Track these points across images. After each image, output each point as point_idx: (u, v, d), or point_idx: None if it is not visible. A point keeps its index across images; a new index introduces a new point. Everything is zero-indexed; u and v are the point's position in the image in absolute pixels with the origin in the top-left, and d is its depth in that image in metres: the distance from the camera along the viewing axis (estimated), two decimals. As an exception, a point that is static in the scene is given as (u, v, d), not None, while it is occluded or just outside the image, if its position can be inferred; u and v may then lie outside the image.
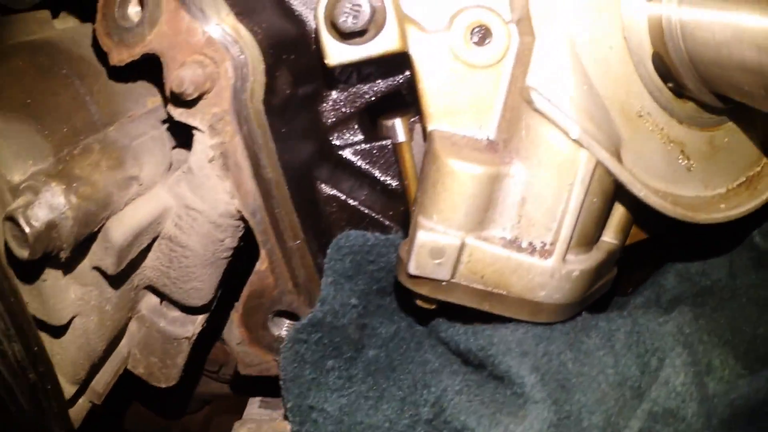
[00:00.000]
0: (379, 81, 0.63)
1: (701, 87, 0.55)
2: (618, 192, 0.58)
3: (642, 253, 0.81)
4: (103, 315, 0.60)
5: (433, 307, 0.58)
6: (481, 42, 0.55)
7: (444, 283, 0.54)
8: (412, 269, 0.54)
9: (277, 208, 0.56)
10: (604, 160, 0.54)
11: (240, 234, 0.60)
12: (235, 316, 0.59)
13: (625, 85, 0.55)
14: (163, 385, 0.66)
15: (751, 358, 0.61)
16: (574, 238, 0.55)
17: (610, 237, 0.62)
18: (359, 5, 0.55)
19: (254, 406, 0.73)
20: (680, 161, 0.62)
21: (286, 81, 0.58)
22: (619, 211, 0.61)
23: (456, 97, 0.56)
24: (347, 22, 0.55)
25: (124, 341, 0.66)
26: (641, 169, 0.59)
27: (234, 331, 0.59)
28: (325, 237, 0.60)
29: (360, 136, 0.66)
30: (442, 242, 0.53)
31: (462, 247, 0.53)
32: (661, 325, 0.60)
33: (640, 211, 0.62)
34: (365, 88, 0.63)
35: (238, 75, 0.54)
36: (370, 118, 0.64)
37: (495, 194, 0.54)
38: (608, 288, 0.66)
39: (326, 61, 0.57)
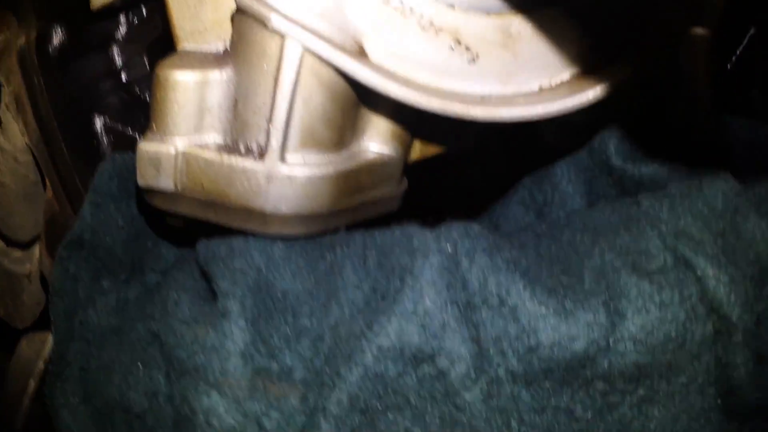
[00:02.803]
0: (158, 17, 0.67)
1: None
2: (365, 91, 0.54)
3: (468, 175, 0.74)
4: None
5: (180, 224, 0.58)
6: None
7: (170, 194, 0.54)
8: (139, 181, 0.54)
9: (51, 140, 0.64)
10: (312, 46, 0.50)
11: (36, 168, 0.68)
12: (41, 245, 0.66)
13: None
14: (20, 326, 0.73)
15: (558, 294, 0.51)
16: (295, 137, 0.52)
17: (373, 144, 0.57)
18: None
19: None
20: (456, 52, 0.56)
21: (59, 35, 0.66)
22: (379, 115, 0.56)
23: (199, 18, 0.57)
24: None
25: None
26: (398, 62, 0.54)
27: (44, 261, 0.66)
28: (100, 164, 0.66)
29: (148, 70, 0.69)
30: (159, 151, 0.53)
31: (177, 155, 0.53)
32: (418, 238, 0.52)
33: (417, 117, 0.56)
34: (145, 26, 0.67)
35: (24, 38, 0.65)
36: (162, 52, 0.68)
37: (208, 99, 0.53)
38: (392, 206, 0.61)
39: (91, 7, 0.64)
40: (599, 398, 0.53)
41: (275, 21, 0.50)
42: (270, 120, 0.52)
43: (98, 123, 0.66)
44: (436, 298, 0.49)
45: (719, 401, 0.56)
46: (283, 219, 0.53)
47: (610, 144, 0.61)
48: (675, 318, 0.53)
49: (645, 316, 0.52)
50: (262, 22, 0.51)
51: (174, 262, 0.62)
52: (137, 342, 0.56)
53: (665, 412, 0.55)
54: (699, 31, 0.62)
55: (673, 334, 0.53)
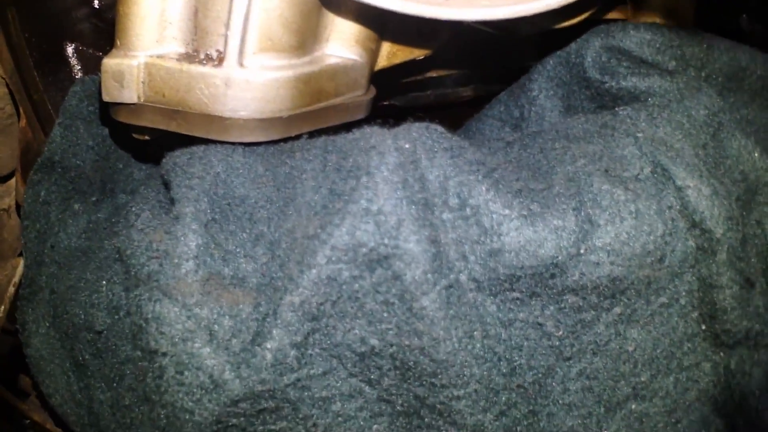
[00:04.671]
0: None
1: None
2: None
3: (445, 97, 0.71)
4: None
5: (146, 137, 0.57)
6: None
7: (133, 107, 0.54)
8: (104, 96, 0.54)
9: (23, 69, 0.64)
10: None
11: (10, 99, 0.67)
12: (17, 175, 0.66)
13: None
14: (1, 263, 0.74)
15: (524, 196, 0.48)
16: (253, 41, 0.51)
17: (337, 49, 0.56)
18: None
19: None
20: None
21: None
22: (343, 19, 0.55)
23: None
24: None
25: None
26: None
27: (20, 190, 0.66)
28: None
29: None
30: (122, 64, 0.53)
31: (140, 67, 0.53)
32: (376, 137, 0.49)
33: (383, 21, 0.56)
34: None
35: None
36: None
37: (169, 10, 0.53)
38: (360, 113, 0.59)
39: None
40: (572, 314, 0.50)
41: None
42: (227, 25, 0.51)
43: (69, 49, 0.67)
44: (392, 197, 0.46)
45: (703, 327, 0.52)
46: (243, 124, 0.52)
47: (588, 56, 0.59)
48: (652, 229, 0.50)
49: (619, 225, 0.49)
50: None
51: (143, 180, 0.61)
52: (104, 260, 0.56)
53: (645, 334, 0.51)
54: None
55: (651, 246, 0.50)
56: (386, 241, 0.46)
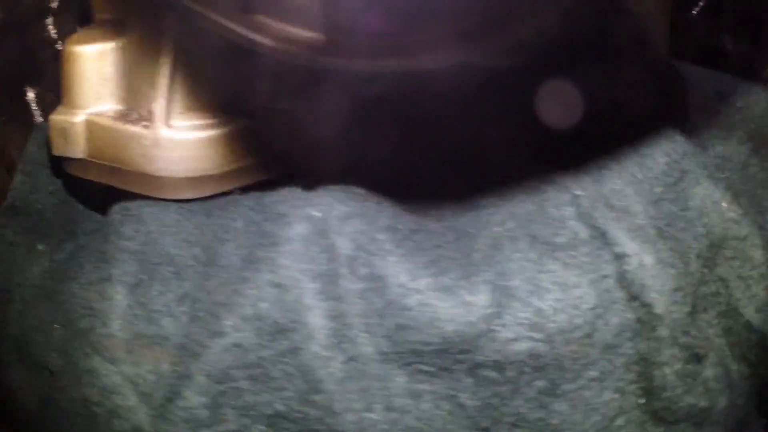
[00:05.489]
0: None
1: None
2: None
3: None
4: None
5: (99, 189, 0.61)
6: None
7: (79, 162, 0.56)
8: (53, 150, 0.57)
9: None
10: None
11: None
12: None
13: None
14: None
15: (438, 268, 0.46)
16: (179, 102, 0.52)
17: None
18: None
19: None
20: None
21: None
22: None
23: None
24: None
25: None
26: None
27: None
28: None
29: None
30: (66, 121, 0.55)
31: (81, 124, 0.55)
32: (290, 204, 0.49)
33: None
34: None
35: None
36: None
37: (106, 70, 0.54)
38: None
39: None
40: (488, 386, 0.48)
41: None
42: (155, 87, 0.52)
43: (31, 94, 0.71)
44: (295, 271, 0.47)
45: (641, 401, 0.49)
46: (174, 182, 0.53)
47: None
48: (581, 302, 0.47)
49: (541, 298, 0.47)
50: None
51: (102, 225, 0.65)
52: (59, 304, 0.60)
53: (571, 408, 0.48)
54: None
55: (580, 321, 0.47)
56: (287, 314, 0.47)
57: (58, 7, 0.68)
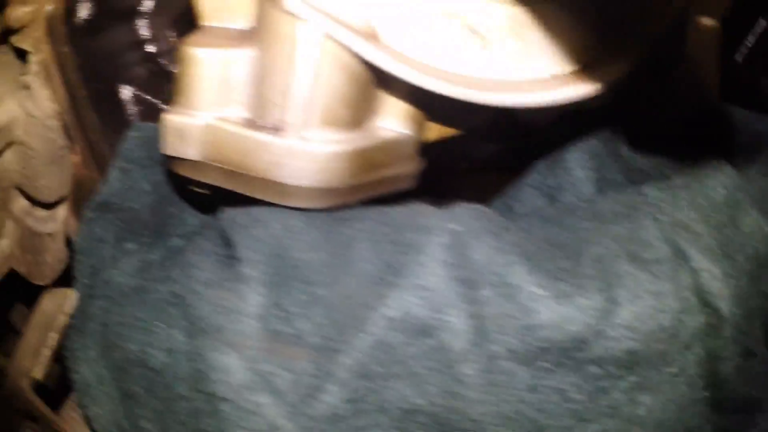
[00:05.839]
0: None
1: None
2: (381, 73, 0.56)
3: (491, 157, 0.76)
4: (-29, 211, 0.74)
5: (207, 192, 0.60)
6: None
7: (195, 163, 0.57)
8: (164, 149, 0.57)
9: (80, 107, 0.66)
10: (331, 30, 0.53)
11: (64, 133, 0.70)
12: (68, 206, 0.69)
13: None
14: (41, 283, 0.75)
15: (557, 278, 0.52)
16: (314, 115, 0.55)
17: (389, 123, 0.59)
18: None
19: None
20: (469, 38, 0.58)
21: (86, 7, 0.69)
22: (394, 96, 0.58)
23: (221, -4, 0.60)
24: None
25: (6, 241, 0.77)
26: (411, 46, 0.57)
27: (70, 222, 0.69)
28: (127, 132, 0.69)
29: (173, 44, 0.71)
30: (185, 122, 0.56)
31: (202, 127, 0.55)
32: (430, 217, 0.53)
33: (432, 99, 0.58)
34: (171, 1, 0.70)
35: (53, 8, 0.67)
36: (190, 26, 0.70)
37: (233, 76, 0.56)
38: (408, 183, 0.63)
39: None
40: (592, 381, 0.55)
41: (292, 4, 0.53)
42: (290, 99, 0.54)
43: (125, 92, 0.69)
44: (443, 275, 0.51)
45: (707, 393, 0.58)
46: (302, 192, 0.56)
47: (620, 132, 0.64)
48: (669, 308, 0.55)
49: (639, 305, 0.54)
50: (279, 5, 0.53)
51: (197, 227, 0.64)
52: (158, 302, 0.59)
53: (655, 399, 0.57)
54: (707, 21, 0.64)
55: (666, 323, 0.55)
56: (435, 314, 0.51)
57: (151, 9, 0.67)
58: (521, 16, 0.59)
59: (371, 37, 0.55)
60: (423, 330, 0.52)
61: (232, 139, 0.56)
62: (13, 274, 0.78)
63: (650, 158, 0.62)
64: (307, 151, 0.54)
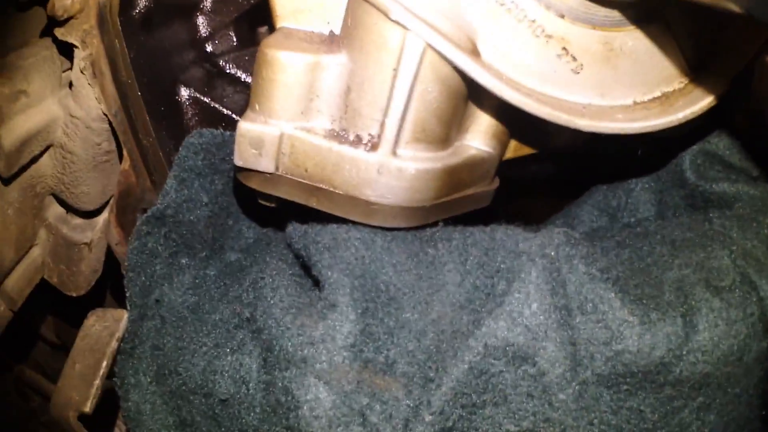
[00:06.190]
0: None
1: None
2: (475, 89, 0.54)
3: (546, 177, 0.76)
4: (5, 218, 0.66)
5: (273, 205, 0.56)
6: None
7: (269, 176, 0.53)
8: (236, 160, 0.53)
9: (132, 109, 0.61)
10: (434, 42, 0.50)
11: (111, 136, 0.64)
12: (111, 216, 0.64)
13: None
14: (74, 294, 0.71)
15: (643, 304, 0.53)
16: (408, 131, 0.52)
17: (475, 142, 0.57)
18: None
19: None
20: (563, 61, 0.56)
21: None
22: (484, 114, 0.57)
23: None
24: None
25: (37, 250, 0.71)
26: (507, 64, 0.55)
27: (112, 232, 0.64)
28: (184, 137, 0.61)
29: (235, 43, 0.68)
30: (263, 132, 0.52)
31: (282, 138, 0.52)
32: (523, 242, 0.53)
33: (518, 118, 0.57)
34: (232, -2, 0.66)
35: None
36: (250, 26, 0.66)
37: (318, 84, 0.52)
38: (485, 202, 0.62)
39: None
40: (666, 402, 0.56)
41: (398, 13, 0.50)
42: (385, 112, 0.51)
43: (184, 94, 0.64)
44: (541, 302, 0.51)
45: (763, 412, 0.60)
46: (388, 210, 0.53)
47: (686, 159, 0.64)
48: (738, 333, 0.57)
49: (714, 330, 0.56)
50: (384, 13, 0.50)
51: (254, 240, 0.61)
52: (221, 324, 0.56)
53: (719, 419, 0.58)
54: None
55: (735, 348, 0.57)
56: (534, 342, 0.51)
57: (210, 6, 0.62)
58: (614, 42, 0.58)
59: (472, 52, 0.53)
60: (520, 357, 0.51)
61: (315, 151, 0.52)
62: (43, 284, 0.72)
63: (714, 186, 0.62)
64: (399, 167, 0.52)
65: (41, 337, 0.82)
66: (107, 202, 0.68)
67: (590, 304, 0.53)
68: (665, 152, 0.68)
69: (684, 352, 0.55)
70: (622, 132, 0.57)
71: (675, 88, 0.61)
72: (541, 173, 0.75)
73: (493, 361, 0.50)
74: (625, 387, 0.54)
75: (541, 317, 0.50)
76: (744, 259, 0.59)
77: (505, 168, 0.64)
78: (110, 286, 0.75)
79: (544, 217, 0.71)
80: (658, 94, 0.61)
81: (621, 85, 0.59)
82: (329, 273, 0.51)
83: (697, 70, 0.62)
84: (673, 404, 0.57)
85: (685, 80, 0.62)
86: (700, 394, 0.57)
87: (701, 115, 0.62)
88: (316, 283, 0.52)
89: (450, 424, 0.50)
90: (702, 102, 0.61)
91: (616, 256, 0.57)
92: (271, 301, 0.52)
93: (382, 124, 0.52)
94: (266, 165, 0.53)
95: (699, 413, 0.58)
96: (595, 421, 0.54)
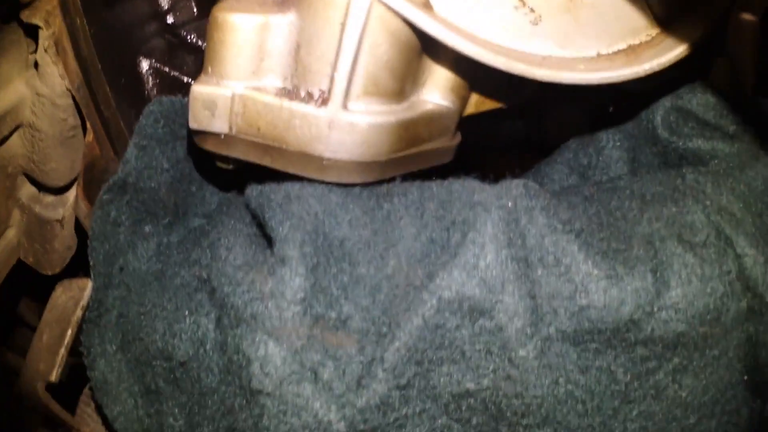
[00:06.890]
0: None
1: None
2: (429, 42, 0.53)
3: (518, 137, 0.75)
4: (-24, 200, 0.68)
5: (231, 167, 0.56)
6: None
7: (224, 137, 0.53)
8: (191, 123, 0.54)
9: (94, 83, 0.62)
10: None
11: (76, 112, 0.65)
12: (78, 190, 0.65)
13: None
14: (49, 272, 0.71)
15: (609, 257, 0.51)
16: (358, 84, 0.52)
17: (432, 96, 0.57)
18: None
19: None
20: (520, 13, 0.56)
21: None
22: (440, 67, 0.56)
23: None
24: None
25: (12, 231, 0.72)
26: (462, 17, 0.54)
27: (80, 205, 0.65)
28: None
29: (195, 13, 0.69)
30: (215, 93, 0.52)
31: (234, 98, 0.52)
32: (479, 193, 0.51)
33: (477, 71, 0.56)
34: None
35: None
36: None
37: (268, 43, 0.52)
38: (447, 158, 0.61)
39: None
40: (639, 362, 0.54)
41: (341, -32, 0.50)
42: (334, 67, 0.51)
43: (144, 65, 0.65)
44: (497, 253, 0.49)
45: (745, 377, 0.57)
46: (342, 166, 0.53)
47: (657, 115, 0.62)
48: (714, 291, 0.54)
49: (687, 287, 0.53)
50: (328, -32, 0.50)
51: (217, 205, 0.61)
52: (182, 288, 0.55)
53: (696, 382, 0.56)
54: (747, 16, 0.63)
55: (711, 306, 0.54)
56: (490, 295, 0.49)
57: None
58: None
59: (424, 5, 0.53)
60: (477, 311, 0.50)
61: (267, 110, 0.52)
62: (19, 265, 0.73)
63: (687, 143, 0.61)
64: (351, 122, 0.51)
65: (22, 321, 0.83)
66: (76, 178, 0.69)
67: (551, 257, 0.51)
68: (637, 109, 0.66)
69: (655, 309, 0.53)
70: (582, 83, 0.56)
71: (642, 41, 0.60)
72: (515, 134, 0.74)
73: (447, 315, 0.48)
74: (593, 345, 0.52)
75: (498, 269, 0.49)
76: (719, 214, 0.57)
77: (474, 126, 0.63)
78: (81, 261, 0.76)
79: (515, 176, 0.70)
80: (623, 46, 0.60)
81: (583, 37, 0.58)
82: (280, 228, 0.50)
83: (666, 23, 0.61)
84: (647, 365, 0.54)
85: (653, 32, 0.60)
86: (675, 355, 0.55)
87: (670, 67, 0.61)
88: (270, 242, 0.52)
89: (405, 381, 0.49)
90: (670, 54, 0.60)
91: (583, 211, 0.55)
92: (225, 260, 0.52)
93: (332, 79, 0.51)
94: (220, 126, 0.53)
95: (675, 375, 0.55)
96: (561, 380, 0.52)
